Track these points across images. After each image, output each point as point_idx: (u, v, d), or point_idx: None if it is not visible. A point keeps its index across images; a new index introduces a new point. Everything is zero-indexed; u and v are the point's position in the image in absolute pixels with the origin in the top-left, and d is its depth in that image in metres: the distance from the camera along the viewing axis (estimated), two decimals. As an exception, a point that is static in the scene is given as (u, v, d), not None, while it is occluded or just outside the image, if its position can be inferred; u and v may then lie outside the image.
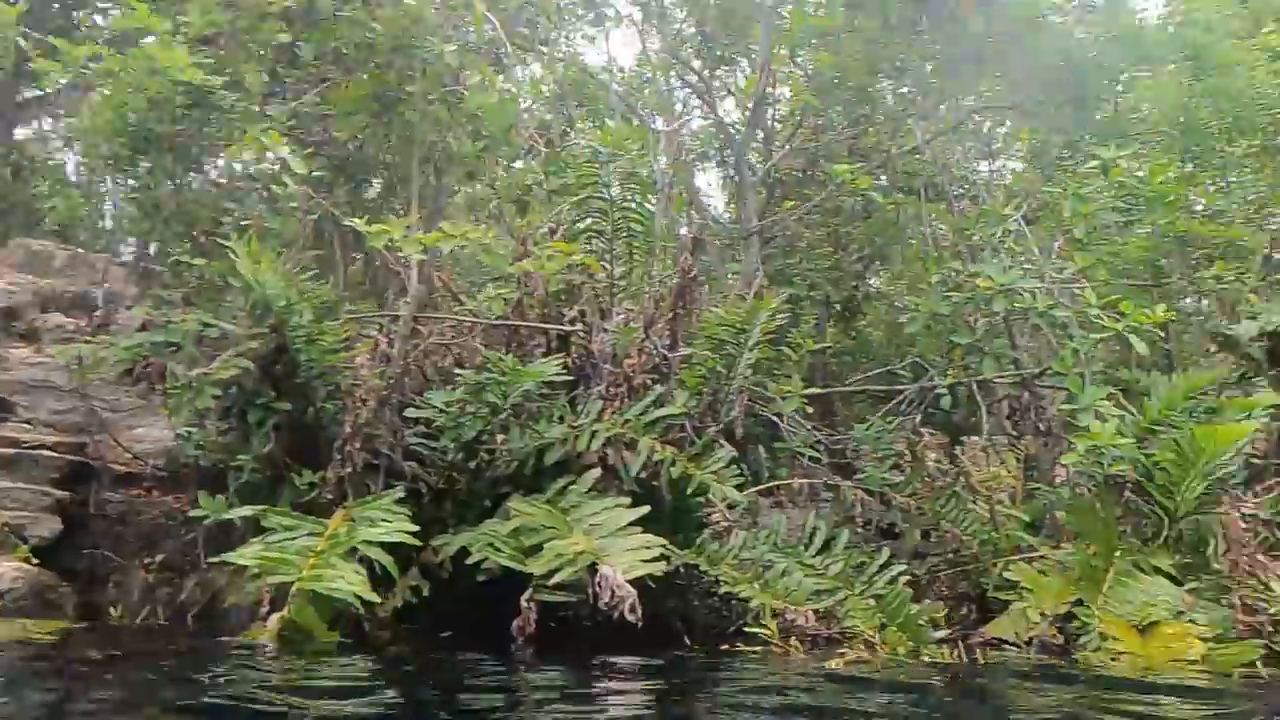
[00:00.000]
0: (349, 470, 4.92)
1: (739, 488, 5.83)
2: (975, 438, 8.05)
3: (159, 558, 5.17)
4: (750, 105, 7.25)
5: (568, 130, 8.93)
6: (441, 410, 5.04)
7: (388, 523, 4.33)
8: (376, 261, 6.61)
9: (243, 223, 5.05)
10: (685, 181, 8.99)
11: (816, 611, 5.30)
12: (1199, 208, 8.41)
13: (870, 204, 8.31)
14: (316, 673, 3.72)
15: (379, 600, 4.04)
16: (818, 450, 6.90)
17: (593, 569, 4.30)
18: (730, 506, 5.84)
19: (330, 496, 4.83)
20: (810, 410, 7.46)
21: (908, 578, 6.23)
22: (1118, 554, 5.79)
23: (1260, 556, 5.66)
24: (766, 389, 7.19)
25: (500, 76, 6.00)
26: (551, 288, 5.68)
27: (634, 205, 6.07)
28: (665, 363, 6.03)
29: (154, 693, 3.40)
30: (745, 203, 6.85)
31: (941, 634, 5.40)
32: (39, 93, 12.68)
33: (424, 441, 5.32)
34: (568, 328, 5.55)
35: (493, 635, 4.61)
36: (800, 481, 6.63)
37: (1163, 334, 9.18)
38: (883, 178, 9.11)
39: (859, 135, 8.68)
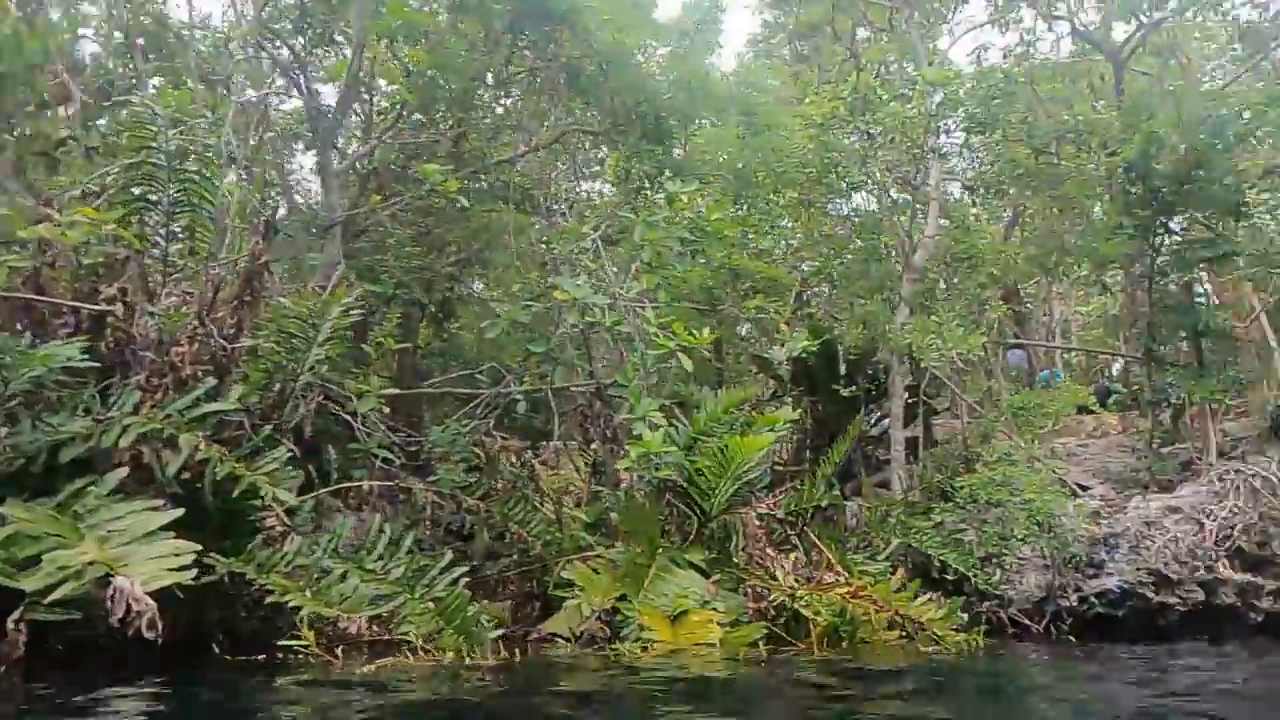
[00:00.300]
0: None
1: (303, 489, 5.53)
2: (551, 443, 8.44)
3: None
4: (343, 88, 6.93)
5: (134, 85, 7.89)
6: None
7: None
8: None
9: None
10: (271, 161, 8.38)
11: (376, 617, 5.19)
12: (750, 246, 9.59)
13: (465, 208, 8.37)
14: None
15: None
16: (393, 451, 6.75)
17: (108, 581, 3.79)
18: (289, 512, 5.50)
19: None
20: (391, 411, 7.30)
21: (479, 578, 6.33)
22: (660, 551, 6.38)
23: (769, 550, 6.59)
24: (344, 387, 6.91)
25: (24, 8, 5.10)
26: (87, 260, 4.95)
27: (198, 178, 5.50)
28: (226, 354, 5.54)
29: None
30: (330, 191, 6.52)
31: (498, 633, 5.53)
32: None
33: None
34: (102, 307, 4.87)
35: None
36: (370, 483, 6.44)
37: (714, 354, 10.41)
38: (482, 181, 9.23)
39: (459, 139, 8.69)
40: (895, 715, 4.01)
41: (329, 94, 9.40)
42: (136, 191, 5.27)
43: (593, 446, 8.47)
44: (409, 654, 4.90)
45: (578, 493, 8.07)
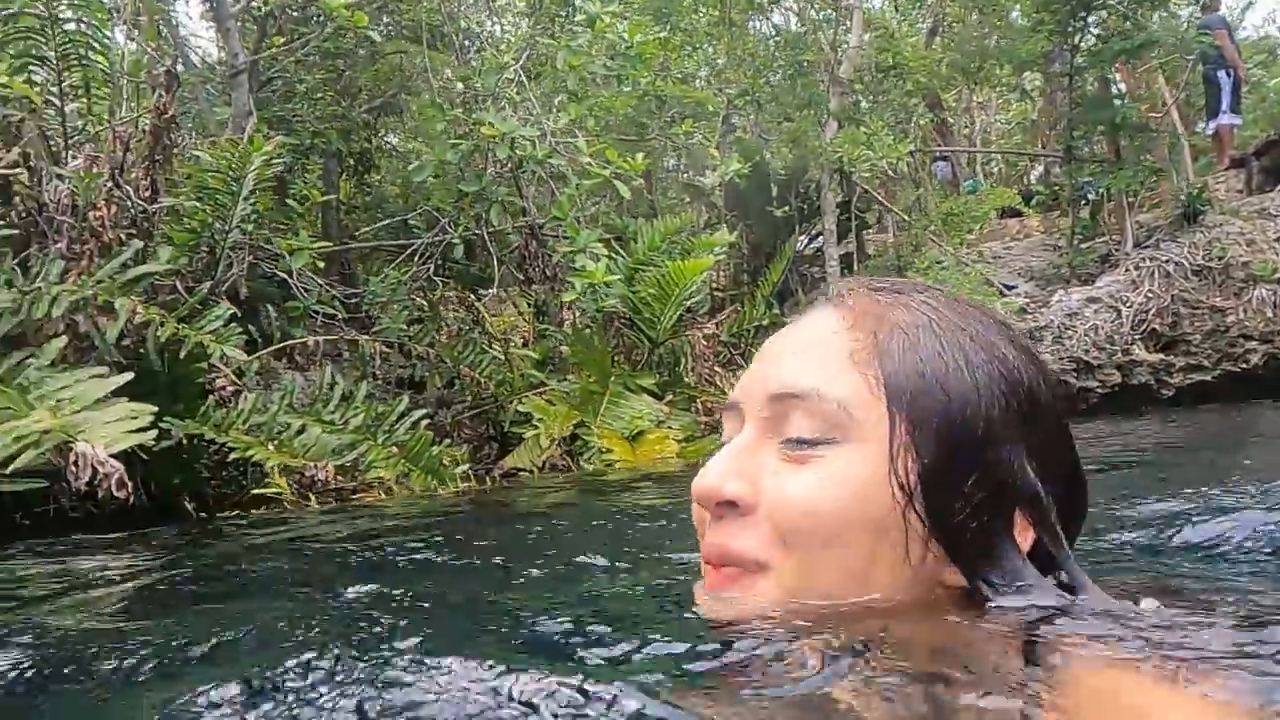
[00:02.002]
0: None
1: (246, 350, 5.46)
2: (491, 288, 8.40)
3: None
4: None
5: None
6: None
7: None
8: None
9: None
10: (158, 9, 7.77)
11: (341, 468, 5.27)
12: (674, 72, 9.38)
13: (375, 49, 7.93)
14: None
15: None
16: (334, 307, 6.66)
17: (66, 448, 3.76)
18: (238, 372, 5.45)
19: None
20: (323, 267, 7.15)
21: (434, 425, 6.43)
22: (612, 379, 6.54)
23: (718, 369, 6.80)
24: (273, 245, 6.71)
25: None
26: (-21, 125, 4.63)
27: (86, 31, 5.10)
28: (145, 216, 5.31)
29: None
30: (230, 36, 6.10)
31: (465, 468, 5.68)
32: None
33: None
34: (6, 171, 4.59)
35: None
36: (316, 339, 6.38)
37: (645, 183, 10.33)
38: (387, 22, 8.73)
39: (359, -26, 8.13)
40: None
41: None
42: (21, 47, 4.89)
43: (533, 287, 8.47)
44: (382, 494, 5.02)
45: (523, 333, 8.12)
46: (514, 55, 6.96)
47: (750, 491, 0.88)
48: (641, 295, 7.03)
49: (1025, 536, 0.87)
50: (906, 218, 10.16)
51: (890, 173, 9.02)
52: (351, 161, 9.46)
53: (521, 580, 1.79)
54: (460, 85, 7.78)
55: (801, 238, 9.78)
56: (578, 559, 1.87)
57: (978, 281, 8.13)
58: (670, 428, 6.20)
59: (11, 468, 3.66)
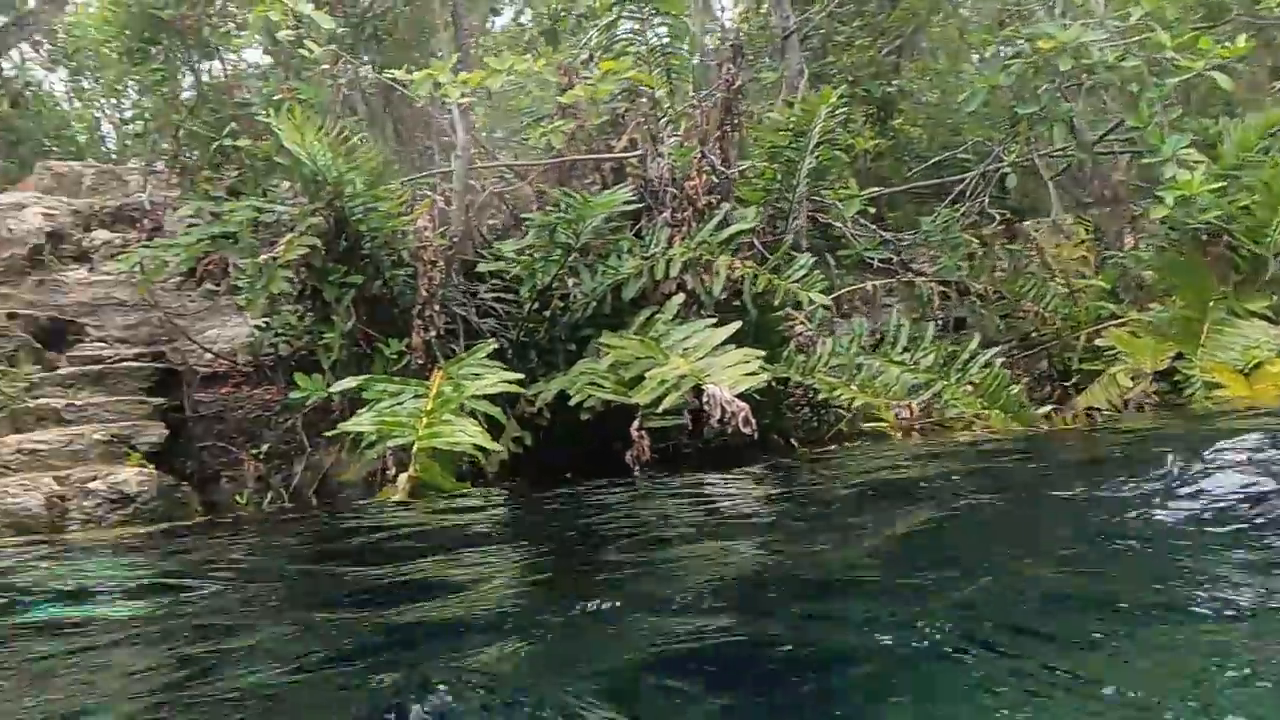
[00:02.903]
0: (432, 334, 4.88)
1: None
2: (1040, 218, 7.84)
3: (263, 448, 5.24)
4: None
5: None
6: (514, 259, 4.93)
7: (486, 377, 4.31)
8: (401, 125, 6.38)
9: (274, 98, 4.82)
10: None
11: (917, 405, 5.32)
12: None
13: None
14: (468, 506, 3.83)
15: (498, 448, 4.06)
16: (887, 250, 6.73)
17: (698, 391, 4.28)
18: (813, 316, 5.77)
19: (420, 362, 4.81)
20: (872, 213, 7.28)
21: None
22: (1212, 304, 5.68)
23: (1362, 283, 5.53)
24: (822, 196, 6.97)
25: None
26: (595, 120, 5.45)
27: (668, 21, 5.74)
28: (723, 181, 5.84)
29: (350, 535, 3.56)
30: (780, 3, 6.43)
31: (1047, 409, 5.39)
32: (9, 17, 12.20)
33: (500, 295, 5.26)
34: (625, 154, 5.34)
35: (601, 473, 4.70)
36: (875, 284, 6.50)
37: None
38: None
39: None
40: None
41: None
42: (619, 45, 5.64)
43: (1090, 210, 7.72)
44: (969, 431, 4.97)
45: (1080, 262, 7.45)
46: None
47: None
48: (1239, 204, 5.98)
49: None
50: None
51: None
52: (875, 109, 9.48)
53: None
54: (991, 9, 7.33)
55: None
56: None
57: None
58: (1300, 358, 5.21)
59: (662, 407, 4.28)
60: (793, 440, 5.30)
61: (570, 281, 5.31)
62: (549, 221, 4.67)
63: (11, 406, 4.96)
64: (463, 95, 4.39)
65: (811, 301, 4.95)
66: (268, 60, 6.24)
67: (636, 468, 4.40)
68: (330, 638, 1.80)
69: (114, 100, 16.54)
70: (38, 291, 6.44)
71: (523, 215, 5.61)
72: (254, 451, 5.18)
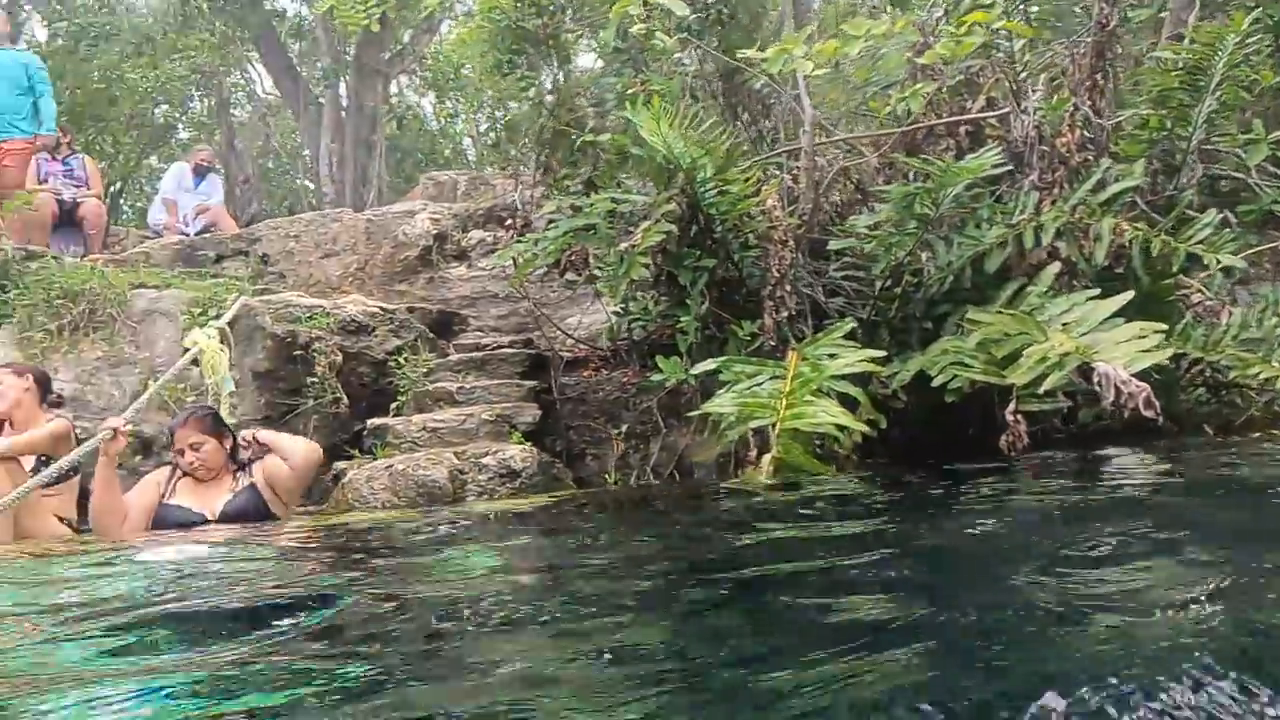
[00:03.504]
0: (784, 315, 4.83)
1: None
2: None
3: (623, 428, 5.50)
4: None
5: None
6: (867, 235, 4.75)
7: (846, 356, 4.18)
8: (742, 108, 6.39)
9: (628, 92, 5.02)
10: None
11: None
12: None
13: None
14: (845, 492, 3.75)
15: (864, 427, 3.92)
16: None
17: (1082, 370, 3.86)
18: (1210, 282, 5.00)
19: (772, 343, 4.79)
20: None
21: None
22: None
23: None
24: (1214, 143, 6.02)
25: None
26: (950, 81, 5.09)
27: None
28: (1098, 135, 5.22)
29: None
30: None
31: None
32: (394, 50, 13.97)
33: (850, 274, 5.10)
34: (984, 114, 4.95)
35: (960, 458, 4.40)
36: (1291, 242, 5.51)
37: None
38: None
39: None
40: None
41: None
42: None
43: None
44: None
45: None
46: None
47: None
48: None
49: None
50: None
51: None
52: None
53: None
54: None
55: None
56: None
57: None
58: None
59: (1042, 388, 3.90)
60: (1205, 426, 4.63)
61: (923, 256, 5.03)
62: (907, 193, 4.42)
63: (415, 389, 5.62)
64: (816, 68, 4.28)
65: (1218, 262, 4.26)
66: (598, 64, 6.57)
67: (1011, 453, 4.06)
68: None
69: (472, 116, 18.49)
70: (428, 288, 7.29)
71: (871, 189, 5.40)
72: (614, 432, 5.46)
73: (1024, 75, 5.61)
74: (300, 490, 4.46)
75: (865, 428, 3.90)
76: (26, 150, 7.74)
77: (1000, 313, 4.29)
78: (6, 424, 4.62)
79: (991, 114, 4.92)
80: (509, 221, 6.84)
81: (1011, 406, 4.04)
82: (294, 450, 4.35)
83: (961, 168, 4.27)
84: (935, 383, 4.39)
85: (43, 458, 4.54)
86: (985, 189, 5.08)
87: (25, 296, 6.11)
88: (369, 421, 5.49)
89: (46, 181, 8.01)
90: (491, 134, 15.90)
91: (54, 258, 6.75)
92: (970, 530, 2.75)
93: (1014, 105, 5.00)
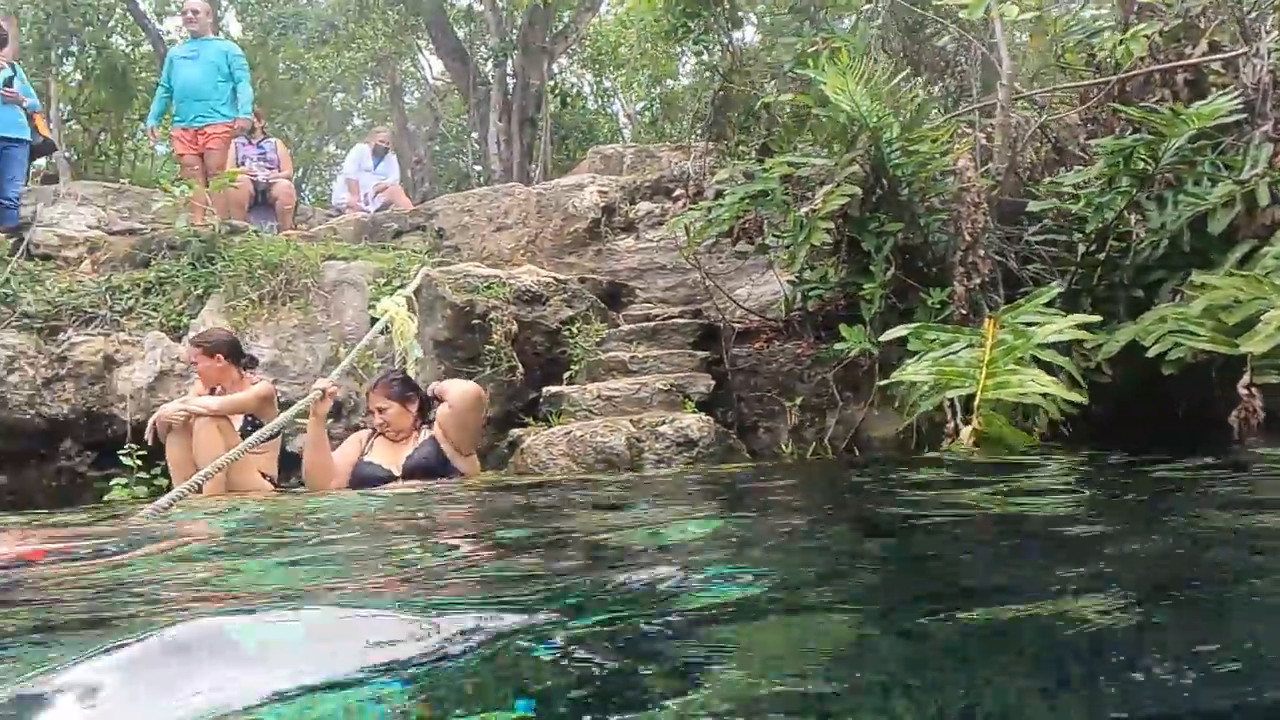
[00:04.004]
0: (976, 282, 4.55)
1: None
2: None
3: (797, 401, 5.35)
4: None
5: None
6: (1073, 194, 4.39)
7: (1053, 323, 3.88)
8: (925, 67, 6.06)
9: (809, 50, 4.83)
10: None
11: None
12: None
13: None
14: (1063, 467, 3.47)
15: (1078, 397, 3.63)
16: None
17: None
18: None
19: (963, 312, 4.52)
20: None
21: None
22: None
23: None
24: None
25: None
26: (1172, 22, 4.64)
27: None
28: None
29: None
30: None
31: None
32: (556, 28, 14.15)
33: (1049, 237, 4.75)
34: (1207, 58, 4.48)
35: (1169, 437, 4.03)
36: None
37: None
38: None
39: None
40: None
41: None
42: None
43: None
44: None
45: None
46: None
47: None
48: None
49: None
50: None
51: None
52: None
53: None
54: None
55: None
56: None
57: None
58: None
59: (1284, 358, 3.50)
60: None
61: (1132, 219, 4.62)
62: (1123, 146, 4.06)
63: (589, 359, 5.65)
64: (1021, 13, 3.97)
65: None
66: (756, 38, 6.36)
67: (1244, 430, 3.67)
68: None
69: (629, 94, 18.58)
70: (597, 260, 7.32)
71: (1069, 148, 5.01)
72: (788, 404, 5.32)
73: (1252, 15, 5.07)
74: (465, 431, 4.42)
75: (1080, 397, 3.61)
76: (227, 133, 8.27)
77: (1232, 273, 3.88)
78: (219, 387, 4.95)
79: (1217, 56, 4.45)
80: (677, 192, 6.77)
81: (1245, 379, 3.65)
82: (449, 388, 4.48)
83: (1190, 114, 3.87)
84: (1151, 353, 4.03)
85: (249, 417, 4.83)
86: (1209, 143, 4.61)
87: (230, 268, 6.53)
88: (544, 389, 5.55)
89: (243, 164, 8.54)
90: (647, 114, 15.92)
91: (255, 232, 7.19)
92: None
93: (1246, 47, 4.50)
